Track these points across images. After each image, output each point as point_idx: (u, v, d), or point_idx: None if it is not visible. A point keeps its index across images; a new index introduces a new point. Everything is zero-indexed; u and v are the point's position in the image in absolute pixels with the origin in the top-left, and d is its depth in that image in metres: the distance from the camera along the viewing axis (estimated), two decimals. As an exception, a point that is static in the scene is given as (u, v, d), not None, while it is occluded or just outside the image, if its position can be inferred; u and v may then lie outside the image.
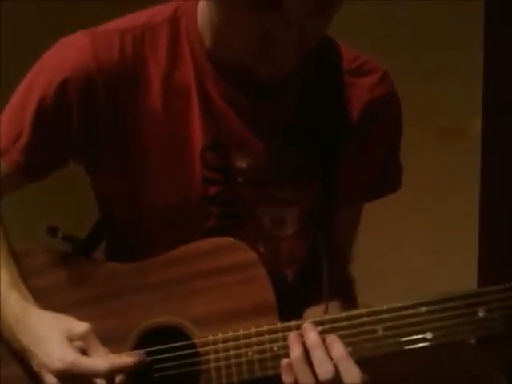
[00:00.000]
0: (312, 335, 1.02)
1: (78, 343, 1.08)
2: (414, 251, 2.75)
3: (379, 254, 2.85)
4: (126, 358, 1.07)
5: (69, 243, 1.39)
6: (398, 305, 1.01)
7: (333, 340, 1.02)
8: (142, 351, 1.11)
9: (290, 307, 1.07)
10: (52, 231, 1.41)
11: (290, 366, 1.02)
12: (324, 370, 1.01)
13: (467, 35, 2.61)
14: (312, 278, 1.17)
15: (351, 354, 1.01)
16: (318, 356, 1.01)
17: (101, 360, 1.06)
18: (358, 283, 1.29)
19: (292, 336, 1.03)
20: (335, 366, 1.00)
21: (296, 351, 1.02)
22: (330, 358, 1.01)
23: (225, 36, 1.07)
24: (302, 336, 1.03)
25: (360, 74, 1.18)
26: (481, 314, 0.99)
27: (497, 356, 2.51)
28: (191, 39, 1.14)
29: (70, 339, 1.09)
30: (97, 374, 1.05)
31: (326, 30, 1.08)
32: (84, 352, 1.08)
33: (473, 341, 2.74)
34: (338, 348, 1.01)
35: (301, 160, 1.17)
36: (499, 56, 2.53)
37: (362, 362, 1.02)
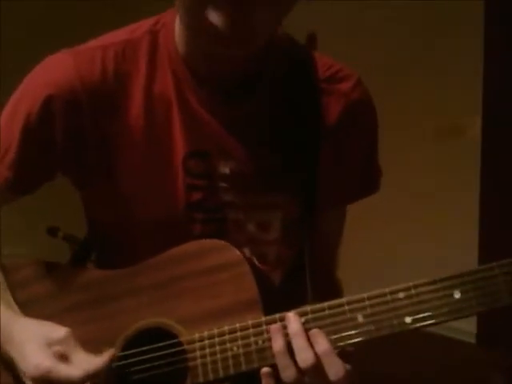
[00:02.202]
0: (294, 324, 1.04)
1: (57, 348, 1.09)
2: (414, 251, 2.75)
3: (379, 254, 2.86)
4: (98, 361, 1.07)
5: (69, 243, 1.39)
6: (377, 292, 1.04)
7: (317, 334, 1.03)
8: (128, 352, 1.12)
9: (278, 310, 1.07)
10: (52, 231, 1.42)
11: (270, 374, 1.04)
12: (304, 357, 1.01)
13: (467, 35, 2.61)
14: (299, 281, 1.19)
15: (334, 343, 1.03)
16: (298, 344, 1.03)
17: (75, 368, 1.07)
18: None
19: (274, 327, 1.05)
20: (318, 359, 1.02)
21: (278, 343, 1.04)
22: (312, 347, 1.02)
23: (190, 33, 1.10)
24: (284, 327, 1.05)
25: (335, 81, 1.21)
26: (456, 296, 1.01)
27: (497, 356, 2.51)
28: (169, 49, 1.16)
29: (49, 344, 1.09)
30: (72, 382, 1.06)
31: (281, 16, 1.08)
32: (64, 357, 1.09)
33: (473, 341, 2.76)
34: (322, 342, 1.02)
35: (281, 165, 1.19)
36: (499, 56, 2.54)
37: (345, 355, 1.04)
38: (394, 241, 2.87)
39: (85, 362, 1.07)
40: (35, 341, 1.10)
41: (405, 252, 2.79)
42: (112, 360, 1.08)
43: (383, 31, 2.78)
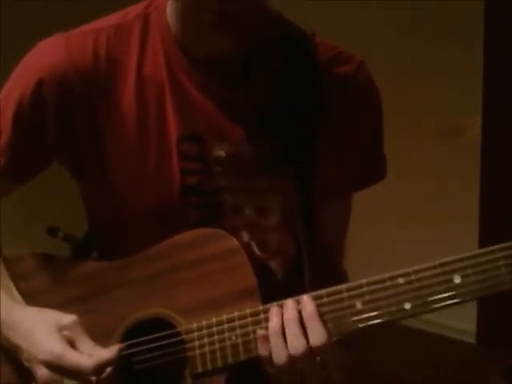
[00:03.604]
0: (290, 311, 1.05)
1: (66, 333, 1.10)
2: (413, 250, 2.75)
3: (379, 254, 2.85)
4: (107, 353, 1.08)
5: (69, 243, 1.39)
6: (377, 278, 1.03)
7: (306, 300, 1.04)
8: (127, 343, 1.11)
9: (279, 298, 1.07)
10: (52, 231, 1.41)
11: (266, 338, 1.05)
12: (296, 345, 1.02)
13: (467, 35, 2.61)
14: (301, 274, 1.16)
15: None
16: (292, 330, 1.03)
17: (86, 357, 1.07)
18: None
19: (273, 309, 1.06)
20: (310, 349, 1.02)
21: (273, 321, 1.05)
22: (305, 336, 1.03)
23: (186, 16, 1.10)
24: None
25: (337, 63, 1.18)
26: (457, 281, 1.00)
27: (497, 356, 2.51)
28: (161, 30, 1.16)
29: (59, 329, 1.10)
30: (82, 371, 1.06)
31: None
32: (71, 342, 1.09)
33: (473, 341, 2.76)
34: (309, 307, 1.03)
35: (280, 149, 1.17)
36: (499, 56, 2.54)
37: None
38: (394, 241, 2.87)
39: (94, 352, 1.08)
40: (44, 326, 1.10)
41: (404, 252, 2.78)
42: (120, 353, 1.08)
43: (383, 31, 2.78)
